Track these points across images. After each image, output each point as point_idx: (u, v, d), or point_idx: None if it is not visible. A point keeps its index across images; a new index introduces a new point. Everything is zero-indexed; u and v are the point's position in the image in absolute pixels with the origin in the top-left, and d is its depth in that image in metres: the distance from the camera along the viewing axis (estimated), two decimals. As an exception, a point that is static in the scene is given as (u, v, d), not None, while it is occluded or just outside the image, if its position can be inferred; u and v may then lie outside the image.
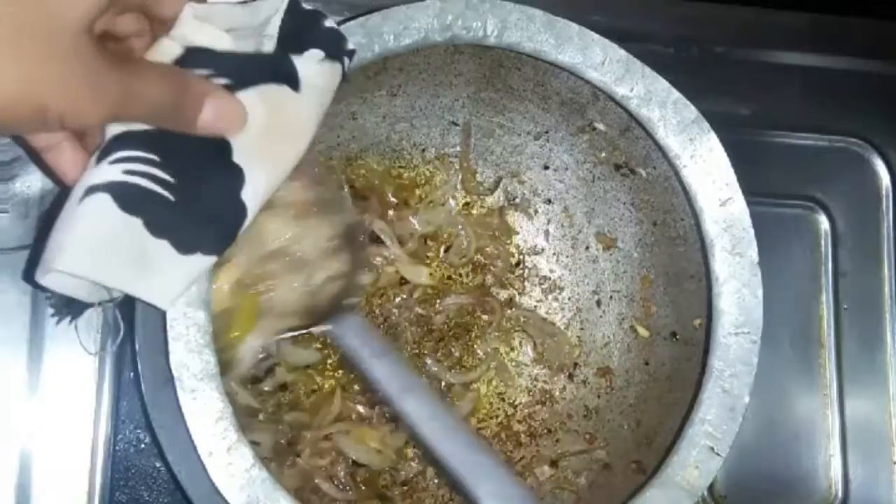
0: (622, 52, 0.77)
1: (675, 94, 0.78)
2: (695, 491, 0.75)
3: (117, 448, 0.86)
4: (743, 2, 1.03)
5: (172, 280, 0.61)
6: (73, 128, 0.57)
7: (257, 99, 0.61)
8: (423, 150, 0.94)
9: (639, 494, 0.75)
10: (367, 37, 0.74)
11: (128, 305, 0.73)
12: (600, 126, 0.84)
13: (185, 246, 0.60)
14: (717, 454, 0.75)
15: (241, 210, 0.62)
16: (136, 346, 0.72)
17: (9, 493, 0.81)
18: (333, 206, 0.77)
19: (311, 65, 0.64)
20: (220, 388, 0.69)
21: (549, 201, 0.95)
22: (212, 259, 0.62)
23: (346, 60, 0.67)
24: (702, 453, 0.75)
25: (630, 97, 0.78)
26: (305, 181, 0.76)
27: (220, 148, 0.60)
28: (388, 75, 0.83)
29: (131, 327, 0.73)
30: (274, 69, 0.62)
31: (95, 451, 0.82)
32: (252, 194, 0.62)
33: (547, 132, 0.90)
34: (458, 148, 0.94)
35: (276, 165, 0.64)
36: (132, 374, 0.84)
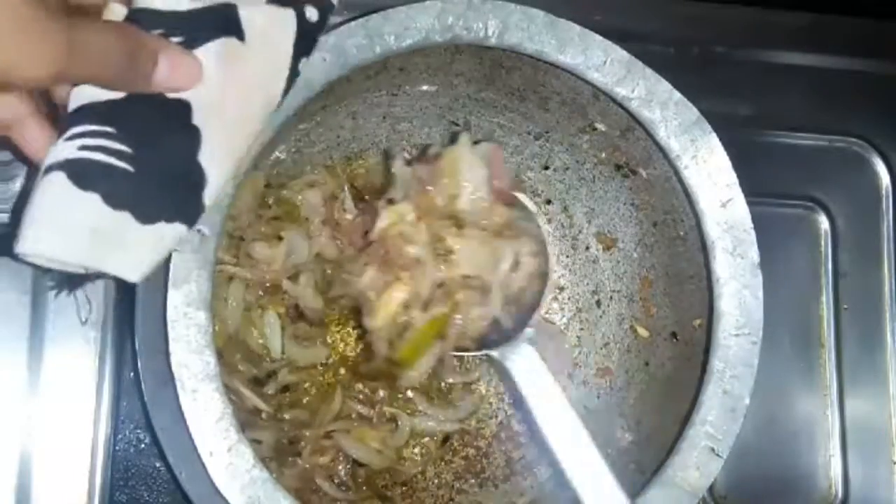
0: (623, 53, 0.77)
1: (677, 95, 0.78)
2: (695, 492, 0.75)
3: (117, 448, 0.86)
4: (743, 2, 1.02)
5: (138, 252, 0.61)
6: (21, 84, 0.55)
7: (210, 56, 0.60)
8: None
9: (639, 495, 0.75)
10: (368, 37, 0.74)
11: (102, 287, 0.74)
12: (601, 126, 0.84)
13: (145, 215, 0.59)
14: (718, 455, 0.75)
15: (198, 173, 0.61)
16: (137, 346, 0.72)
17: (9, 493, 0.81)
18: (523, 224, 0.79)
19: (254, 11, 0.63)
20: (220, 389, 0.69)
21: (549, 201, 0.95)
22: (177, 227, 0.62)
23: (314, 11, 0.67)
24: (702, 454, 0.75)
25: (631, 98, 0.78)
26: (503, 199, 0.77)
27: (179, 110, 0.60)
28: (389, 75, 0.83)
29: (131, 327, 0.74)
30: (221, 22, 0.62)
31: (95, 451, 0.82)
32: (209, 156, 0.62)
33: (547, 132, 0.90)
34: (458, 149, 0.94)
35: (235, 126, 0.64)
36: (132, 374, 0.84)
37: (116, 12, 0.59)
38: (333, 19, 0.70)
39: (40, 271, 0.78)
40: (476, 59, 0.82)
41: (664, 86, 0.78)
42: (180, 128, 0.60)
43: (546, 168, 0.93)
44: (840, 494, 0.99)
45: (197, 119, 0.61)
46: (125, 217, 0.59)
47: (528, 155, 0.93)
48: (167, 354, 0.69)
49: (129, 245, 0.60)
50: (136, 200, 0.59)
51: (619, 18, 0.98)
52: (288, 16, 0.65)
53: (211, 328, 0.70)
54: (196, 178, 0.62)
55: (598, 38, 0.77)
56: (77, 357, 0.83)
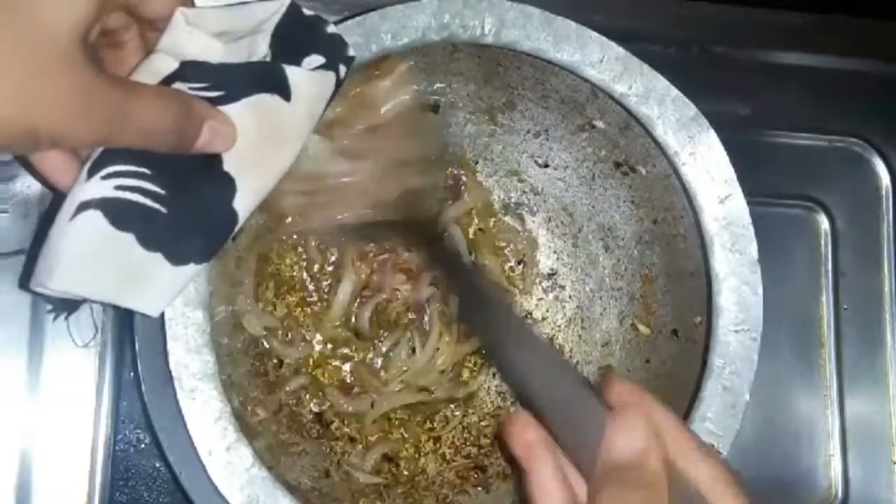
0: (620, 49, 0.78)
1: (674, 91, 0.78)
2: (695, 488, 0.75)
3: (117, 448, 0.86)
4: (743, 2, 1.03)
5: (164, 290, 0.61)
6: (65, 148, 0.56)
7: (249, 110, 0.61)
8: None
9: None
10: (365, 36, 0.74)
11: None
12: (600, 124, 0.84)
13: (178, 257, 0.60)
14: (719, 452, 0.75)
15: (232, 218, 0.62)
16: (136, 347, 0.72)
17: (9, 493, 0.81)
18: None
19: (302, 74, 0.64)
20: (218, 388, 0.69)
21: (549, 200, 0.95)
22: (203, 266, 0.63)
23: (343, 68, 0.67)
24: (702, 451, 0.75)
25: (629, 95, 0.78)
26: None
27: (210, 158, 0.60)
28: (388, 75, 0.83)
29: (130, 328, 0.74)
30: (265, 79, 0.62)
31: (95, 451, 0.82)
32: (243, 202, 0.62)
33: (546, 131, 0.90)
34: (458, 147, 0.94)
35: (267, 171, 0.64)
36: (132, 374, 0.84)
37: (162, 66, 0.60)
38: (330, 18, 0.70)
39: (42, 297, 0.79)
40: (474, 58, 0.82)
41: (661, 82, 0.78)
42: (212, 174, 0.61)
43: (546, 166, 0.93)
44: (840, 494, 0.99)
45: (229, 167, 0.61)
46: (157, 258, 0.59)
47: (528, 154, 0.93)
48: (166, 354, 0.69)
49: (156, 283, 0.60)
50: (169, 242, 0.60)
51: (619, 18, 0.98)
52: (329, 78, 0.66)
53: (209, 327, 0.70)
54: (230, 223, 0.63)
55: (595, 34, 0.77)
56: (77, 357, 0.83)
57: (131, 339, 0.74)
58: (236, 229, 0.63)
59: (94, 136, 0.52)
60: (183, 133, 0.57)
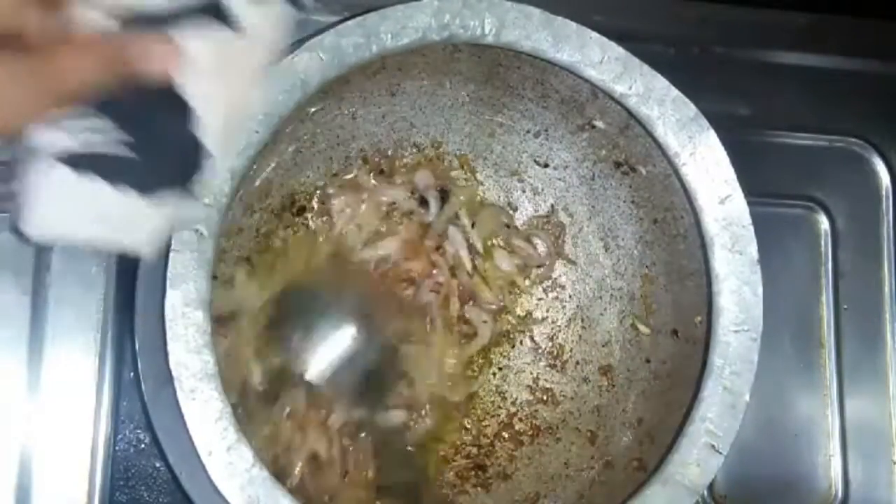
0: (620, 49, 0.78)
1: (674, 91, 0.78)
2: (696, 488, 0.75)
3: (117, 448, 0.86)
4: (743, 2, 1.03)
5: (147, 226, 0.61)
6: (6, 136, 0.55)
7: (196, 39, 0.59)
8: (423, 150, 0.94)
9: (640, 492, 0.75)
10: (366, 36, 0.74)
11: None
12: (600, 124, 0.84)
13: (150, 190, 0.59)
14: (719, 452, 0.75)
15: (196, 144, 0.61)
16: (136, 347, 0.72)
17: (9, 493, 0.81)
18: None
19: (248, 4, 0.62)
20: (219, 388, 0.69)
21: (549, 200, 0.95)
22: (179, 193, 0.61)
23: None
24: (703, 451, 0.75)
25: (629, 95, 0.78)
26: None
27: (166, 91, 0.59)
28: (388, 75, 0.83)
29: (131, 327, 0.74)
30: (206, 12, 0.60)
31: (95, 451, 0.82)
32: (207, 129, 0.61)
33: (546, 130, 0.90)
34: (458, 147, 0.94)
35: (228, 102, 0.63)
36: (132, 374, 0.84)
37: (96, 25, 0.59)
38: (330, 18, 0.70)
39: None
40: (474, 58, 0.82)
41: (661, 82, 0.78)
42: (170, 105, 0.59)
43: (546, 166, 0.93)
44: (840, 494, 0.99)
45: (187, 97, 0.60)
46: (131, 197, 0.59)
47: (529, 153, 0.93)
48: (166, 354, 0.69)
49: (138, 221, 0.60)
50: (141, 180, 0.59)
51: (619, 18, 0.98)
52: (285, 9, 0.64)
53: (209, 327, 0.70)
54: (196, 149, 0.61)
55: (595, 35, 0.77)
56: (77, 357, 0.83)
57: (131, 338, 0.74)
58: (205, 158, 0.62)
59: (27, 116, 0.52)
60: (118, 68, 0.55)
